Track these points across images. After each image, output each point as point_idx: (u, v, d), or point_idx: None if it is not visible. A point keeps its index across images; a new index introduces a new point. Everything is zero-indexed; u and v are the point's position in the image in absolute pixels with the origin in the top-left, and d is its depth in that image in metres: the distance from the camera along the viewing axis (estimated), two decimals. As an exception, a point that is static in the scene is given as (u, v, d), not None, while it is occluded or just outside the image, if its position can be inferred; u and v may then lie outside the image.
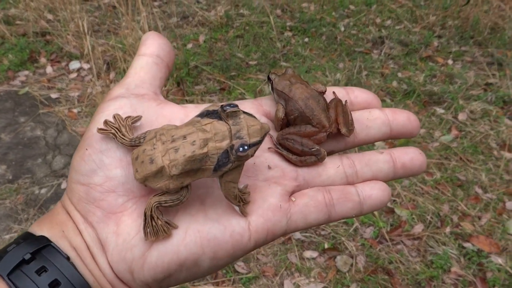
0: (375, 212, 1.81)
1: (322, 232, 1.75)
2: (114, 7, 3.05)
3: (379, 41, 2.94)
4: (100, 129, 0.36)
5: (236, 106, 0.34)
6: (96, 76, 2.48)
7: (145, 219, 0.34)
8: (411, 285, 1.58)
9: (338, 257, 1.66)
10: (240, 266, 1.63)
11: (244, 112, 0.35)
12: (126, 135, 0.35)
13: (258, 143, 0.34)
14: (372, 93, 0.45)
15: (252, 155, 0.34)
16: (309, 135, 0.43)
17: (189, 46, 2.81)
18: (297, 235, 1.73)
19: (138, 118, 0.37)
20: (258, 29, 2.97)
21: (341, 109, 0.44)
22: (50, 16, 2.94)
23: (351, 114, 0.44)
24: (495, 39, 2.91)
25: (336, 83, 2.50)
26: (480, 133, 2.23)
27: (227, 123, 0.34)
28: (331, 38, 2.94)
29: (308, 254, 1.67)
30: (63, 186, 1.94)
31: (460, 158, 2.09)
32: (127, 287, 0.35)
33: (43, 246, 0.33)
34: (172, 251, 0.34)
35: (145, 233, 0.34)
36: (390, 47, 2.87)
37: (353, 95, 0.45)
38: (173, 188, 0.34)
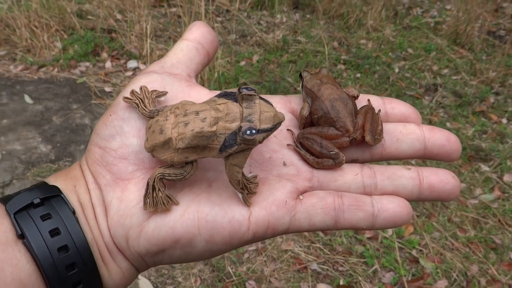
0: (398, 258, 1.75)
1: (340, 268, 1.70)
2: (179, 16, 3.18)
3: (433, 88, 2.89)
4: (125, 98, 0.37)
5: (254, 90, 0.34)
6: (149, 77, 2.59)
7: (147, 188, 0.35)
8: None
9: (352, 297, 1.61)
10: (251, 285, 1.61)
11: (261, 98, 0.34)
12: (147, 107, 0.36)
13: (269, 130, 0.33)
14: (412, 107, 0.42)
15: (260, 142, 0.33)
16: (330, 138, 0.41)
17: (242, 63, 2.88)
18: (314, 265, 1.69)
19: (164, 93, 0.38)
20: (312, 58, 3.00)
21: (370, 116, 0.42)
22: (119, 16, 3.11)
23: (382, 124, 0.41)
24: (557, 105, 2.78)
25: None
26: (525, 198, 2.11)
27: (241, 105, 0.34)
28: (383, 77, 2.92)
29: (321, 287, 1.63)
30: (98, 174, 2.02)
31: (499, 220, 1.99)
32: (121, 254, 0.36)
33: (53, 195, 0.35)
34: (168, 225, 0.35)
35: (145, 202, 0.35)
36: (443, 96, 2.81)
37: (390, 106, 0.43)
38: (177, 162, 0.34)
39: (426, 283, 1.68)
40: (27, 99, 2.43)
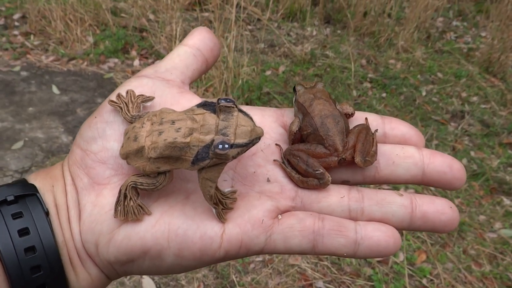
0: (407, 286, 1.69)
1: (346, 289, 1.66)
2: (210, 21, 3.21)
3: (459, 115, 2.82)
4: (111, 101, 0.36)
5: (233, 101, 0.32)
6: (174, 79, 2.61)
7: (119, 196, 0.34)
8: None
9: (356, 320, 1.57)
10: (254, 296, 1.59)
11: (240, 111, 0.33)
12: (130, 111, 0.36)
13: (244, 145, 0.31)
14: (414, 128, 0.39)
15: (234, 157, 0.31)
16: (318, 156, 0.39)
17: (268, 73, 2.88)
18: (320, 283, 1.66)
19: (150, 98, 0.37)
20: (339, 73, 2.98)
21: (363, 136, 0.39)
22: (151, 16, 3.16)
23: (376, 145, 0.39)
24: None
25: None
26: (547, 237, 2.03)
27: (218, 117, 0.32)
28: (409, 99, 2.88)
29: (325, 306, 1.59)
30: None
31: (517, 258, 1.91)
32: (91, 260, 0.35)
33: (29, 193, 0.34)
34: (138, 235, 0.34)
35: (116, 210, 0.34)
36: (469, 124, 2.74)
37: (389, 126, 0.40)
38: (149, 171, 0.33)
39: (434, 315, 1.62)
40: (55, 89, 2.48)
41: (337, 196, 0.37)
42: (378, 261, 1.78)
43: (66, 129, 2.22)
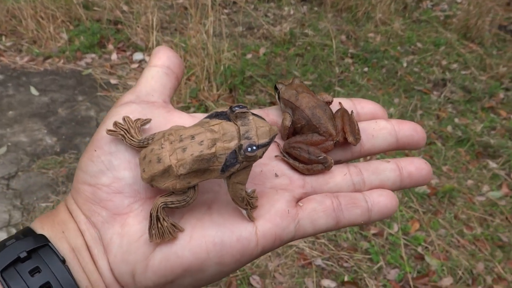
0: (403, 255, 1.73)
1: (345, 264, 1.69)
2: (186, 8, 3.16)
3: (441, 83, 2.85)
4: (109, 131, 0.36)
5: (246, 107, 0.34)
6: (155, 70, 2.57)
7: (151, 220, 0.34)
8: None
9: (356, 293, 1.60)
10: (255, 280, 1.61)
11: (253, 114, 0.35)
12: (135, 137, 0.36)
13: (267, 144, 0.33)
14: (378, 104, 0.45)
15: (260, 156, 0.33)
16: (316, 144, 0.43)
17: (249, 56, 2.85)
18: (318, 261, 1.68)
19: (148, 120, 0.37)
20: (319, 51, 2.97)
21: (347, 118, 0.44)
22: (125, 8, 3.09)
23: (357, 123, 0.44)
24: None
25: (388, 117, 2.44)
26: (533, 196, 2.09)
27: (235, 124, 0.34)
28: (391, 71, 2.89)
29: (326, 283, 1.62)
30: (103, 167, 2.01)
31: (506, 218, 1.97)
32: None
33: (40, 245, 0.33)
34: (176, 254, 0.34)
35: (150, 234, 0.33)
36: (452, 91, 2.78)
37: (360, 106, 0.45)
38: (179, 188, 0.33)
39: (431, 281, 1.67)
40: (33, 90, 2.43)
41: (340, 175, 0.41)
42: (374, 234, 1.81)
43: (50, 130, 2.18)
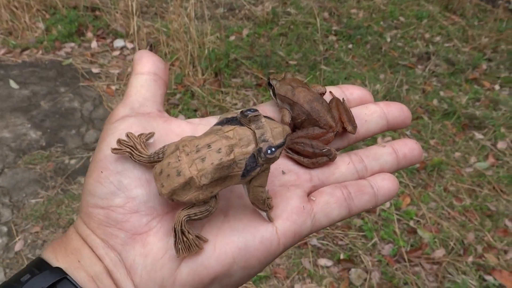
0: (396, 230, 1.76)
1: (340, 242, 1.72)
2: (164, -9, 3.09)
3: (425, 57, 2.86)
4: (114, 149, 0.35)
5: (257, 110, 0.34)
6: (137, 57, 2.52)
7: (176, 235, 0.33)
8: (423, 310, 1.54)
9: (353, 270, 1.63)
10: (252, 263, 1.62)
11: (264, 116, 0.35)
12: (143, 152, 0.35)
13: (283, 144, 0.34)
14: (365, 89, 0.47)
15: (278, 157, 0.33)
16: (318, 137, 0.44)
17: (232, 38, 2.81)
18: (314, 241, 1.70)
19: (151, 134, 0.36)
20: (303, 30, 2.94)
21: (342, 107, 0.45)
22: (102, -7, 3.00)
23: (350, 111, 0.45)
24: (549, 70, 2.78)
25: (375, 94, 2.45)
26: (519, 164, 2.13)
27: (249, 128, 0.34)
28: (375, 47, 2.89)
29: (322, 262, 1.64)
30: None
31: (494, 188, 2.01)
32: None
33: (59, 279, 0.32)
34: (203, 265, 0.34)
35: (177, 249, 0.33)
36: (436, 64, 2.79)
37: (348, 92, 0.47)
38: (202, 199, 0.33)
39: (424, 253, 1.70)
40: (13, 84, 2.36)
41: (344, 165, 0.43)
42: (367, 211, 1.83)
43: (33, 124, 2.13)
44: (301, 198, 0.39)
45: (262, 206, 0.35)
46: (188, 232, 0.33)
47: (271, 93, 0.47)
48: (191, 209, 0.34)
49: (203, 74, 2.44)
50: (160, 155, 0.35)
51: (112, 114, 0.38)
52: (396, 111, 0.45)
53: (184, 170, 0.32)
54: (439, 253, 1.71)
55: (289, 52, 2.75)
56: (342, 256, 1.66)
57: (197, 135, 0.38)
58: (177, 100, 2.31)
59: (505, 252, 1.73)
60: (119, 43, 2.70)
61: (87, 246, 0.34)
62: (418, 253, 1.70)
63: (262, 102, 2.35)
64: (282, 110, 0.46)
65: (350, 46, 2.89)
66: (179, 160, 0.33)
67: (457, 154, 2.18)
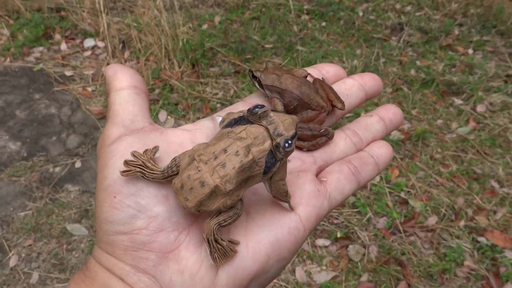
0: (389, 203, 1.79)
1: (335, 221, 1.74)
2: (130, -16, 3.00)
3: (398, 28, 2.87)
4: (124, 172, 0.33)
5: (263, 106, 0.34)
6: (111, 55, 2.46)
7: (210, 244, 0.32)
8: (423, 277, 1.58)
9: (351, 247, 1.65)
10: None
11: (272, 110, 0.35)
12: (154, 169, 0.34)
13: (296, 134, 0.34)
14: (337, 65, 0.49)
15: (294, 149, 0.34)
16: (312, 119, 0.46)
17: (205, 26, 2.77)
18: (310, 223, 1.72)
19: (156, 149, 0.35)
20: (275, 11, 2.92)
21: (326, 87, 0.46)
22: (65, -8, 2.91)
23: (333, 88, 0.47)
24: (518, 29, 2.83)
25: (353, 69, 2.46)
26: (499, 126, 2.19)
27: (261, 125, 0.34)
28: (348, 23, 2.88)
29: (320, 242, 1.67)
30: (77, 165, 1.95)
31: (477, 151, 2.06)
32: None
33: None
34: (240, 268, 0.34)
35: (214, 258, 0.32)
36: (409, 34, 2.81)
37: (324, 71, 0.48)
38: (230, 204, 0.33)
39: (417, 222, 1.74)
40: (-16, 95, 2.28)
41: (342, 141, 0.44)
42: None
43: (12, 135, 2.07)
44: (313, 182, 0.39)
45: (285, 198, 0.36)
46: (221, 239, 0.33)
47: (257, 85, 0.48)
48: (219, 216, 0.33)
49: (180, 67, 2.40)
50: (173, 168, 0.34)
51: (105, 137, 0.37)
52: (370, 81, 0.47)
53: (207, 180, 0.32)
54: (432, 220, 1.75)
55: (264, 36, 2.73)
56: (339, 235, 1.69)
57: (199, 141, 0.38)
58: (157, 96, 2.27)
59: (494, 212, 1.78)
60: (89, 42, 2.63)
61: (115, 276, 0.33)
62: (411, 223, 1.74)
63: (242, 89, 2.34)
64: (273, 100, 0.46)
65: (323, 24, 2.89)
66: (199, 171, 0.32)
67: (439, 121, 2.22)
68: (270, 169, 0.33)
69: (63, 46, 2.61)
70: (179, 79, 2.35)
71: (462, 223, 1.74)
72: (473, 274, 1.58)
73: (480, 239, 1.68)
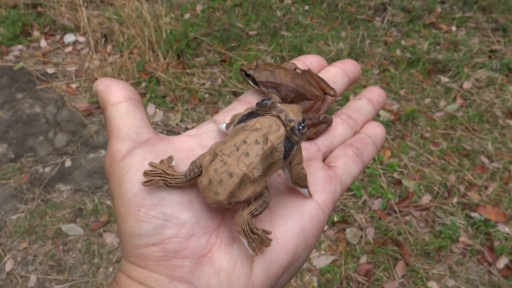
0: (383, 184, 1.81)
1: (331, 205, 1.75)
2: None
3: (381, 8, 2.87)
4: (145, 182, 0.33)
5: (270, 98, 0.36)
6: (93, 50, 2.41)
7: (247, 235, 0.33)
8: (420, 256, 1.60)
9: (348, 230, 1.67)
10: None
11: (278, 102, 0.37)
12: (176, 175, 0.34)
13: (304, 120, 0.36)
14: (316, 55, 0.51)
15: (307, 131, 0.36)
16: (309, 109, 0.48)
17: (187, 16, 2.72)
18: (306, 208, 1.73)
19: (171, 158, 0.35)
20: (257, -3, 2.88)
21: (316, 76, 0.48)
22: (40, -13, 2.82)
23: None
24: (500, 4, 2.85)
25: (339, 52, 2.46)
26: (486, 101, 2.21)
27: (271, 115, 0.35)
28: (332, 5, 2.87)
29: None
30: (67, 164, 1.91)
31: (466, 128, 2.09)
32: None
33: None
34: (272, 260, 0.34)
35: (253, 248, 0.33)
36: (393, 14, 2.81)
37: (308, 61, 0.50)
38: (259, 191, 0.33)
39: (412, 202, 1.76)
40: (-36, 98, 2.22)
41: (340, 126, 0.46)
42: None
43: (-3, 137, 2.02)
44: (323, 168, 0.41)
45: (305, 183, 0.37)
46: (256, 229, 0.33)
47: (251, 83, 0.49)
48: (250, 206, 0.34)
49: (165, 58, 2.37)
50: (195, 170, 0.34)
51: (113, 153, 0.36)
52: (351, 67, 0.49)
53: (235, 170, 0.32)
54: (426, 199, 1.77)
55: (248, 23, 2.70)
56: (336, 218, 1.70)
57: (207, 145, 0.39)
58: (143, 89, 2.23)
59: (486, 188, 1.82)
60: (69, 38, 2.57)
61: None
62: (406, 202, 1.76)
63: (230, 78, 2.31)
64: (270, 95, 0.47)
65: (306, 8, 2.86)
66: (224, 163, 0.33)
67: (427, 100, 2.24)
68: (289, 153, 0.34)
69: (43, 43, 2.54)
70: (165, 71, 2.32)
71: (455, 200, 1.77)
72: (469, 250, 1.61)
73: (474, 214, 1.71)
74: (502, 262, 1.58)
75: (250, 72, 0.49)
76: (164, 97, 2.22)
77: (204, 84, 2.30)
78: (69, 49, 2.52)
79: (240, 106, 0.45)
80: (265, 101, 0.35)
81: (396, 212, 1.73)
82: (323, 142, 0.45)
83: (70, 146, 2.00)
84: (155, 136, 0.38)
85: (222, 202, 0.32)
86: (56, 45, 2.54)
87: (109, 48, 2.47)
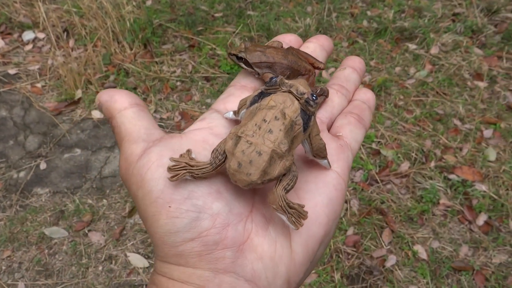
0: (363, 156, 1.84)
1: (314, 181, 1.77)
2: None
3: (345, -20, 2.86)
4: (172, 177, 0.32)
5: (278, 76, 0.36)
6: (55, 46, 2.32)
7: (285, 210, 0.33)
8: (404, 221, 1.65)
9: (332, 204, 1.70)
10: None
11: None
12: (200, 164, 0.33)
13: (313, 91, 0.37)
14: (293, 34, 0.52)
15: (320, 101, 0.37)
16: None
17: (148, 3, 2.65)
18: (290, 187, 1.74)
19: (190, 151, 0.35)
20: (219, -22, 2.82)
21: (302, 52, 0.49)
22: (-10, -17, 2.68)
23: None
24: (459, -33, 2.89)
25: (307, 28, 2.45)
26: (453, 65, 2.26)
27: (283, 91, 0.36)
28: (295, -20, 2.84)
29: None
30: (42, 166, 1.86)
31: (437, 93, 2.13)
32: None
33: None
34: (310, 236, 0.35)
35: (292, 222, 0.33)
36: (357, -15, 2.81)
37: (287, 40, 0.51)
38: (289, 165, 0.34)
39: (391, 170, 1.80)
40: None
41: (335, 96, 0.47)
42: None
43: (-36, 146, 1.94)
44: (333, 139, 0.42)
45: (324, 154, 0.37)
46: (292, 203, 0.33)
47: (244, 66, 0.48)
48: (282, 182, 0.34)
49: (131, 49, 2.30)
50: (219, 157, 0.34)
51: (128, 156, 0.35)
52: (325, 41, 0.51)
53: (263, 148, 0.33)
54: (405, 166, 1.81)
55: (212, 5, 2.65)
56: (320, 194, 1.72)
57: (220, 134, 0.39)
58: (113, 82, 2.18)
59: (460, 149, 1.87)
60: (28, 35, 2.46)
61: (194, 287, 0.32)
62: (386, 171, 1.80)
63: (200, 63, 2.28)
64: (266, 76, 0.47)
65: (270, -16, 2.82)
66: (250, 144, 0.33)
67: (397, 69, 2.27)
68: (307, 125, 0.35)
69: (0, 42, 2.43)
70: (132, 62, 2.26)
71: (432, 164, 1.81)
72: (449, 211, 1.67)
73: (451, 176, 1.77)
74: (481, 219, 1.64)
75: (242, 55, 0.48)
76: (135, 88, 2.17)
77: (174, 71, 2.25)
78: (29, 47, 2.42)
79: (237, 91, 0.44)
80: (274, 79, 0.36)
81: (377, 182, 1.76)
82: (324, 114, 0.45)
83: (43, 148, 1.94)
84: (163, 134, 0.38)
85: (256, 181, 0.32)
86: (15, 44, 2.43)
87: (71, 42, 2.39)
